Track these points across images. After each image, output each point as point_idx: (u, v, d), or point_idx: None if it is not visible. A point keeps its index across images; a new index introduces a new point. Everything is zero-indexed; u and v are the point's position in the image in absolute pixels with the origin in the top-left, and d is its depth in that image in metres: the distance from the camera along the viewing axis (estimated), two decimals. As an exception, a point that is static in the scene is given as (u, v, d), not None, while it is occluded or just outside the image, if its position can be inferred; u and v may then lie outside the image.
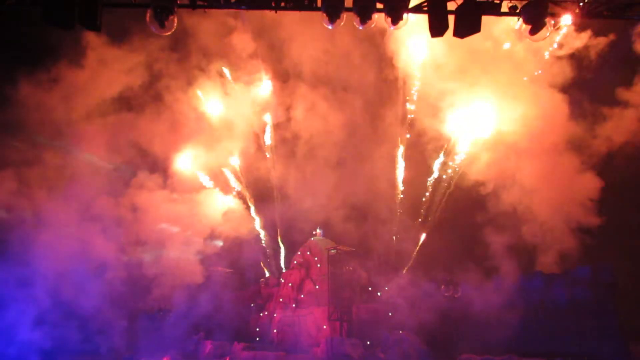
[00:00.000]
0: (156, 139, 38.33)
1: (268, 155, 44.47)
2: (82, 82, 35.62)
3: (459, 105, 38.34)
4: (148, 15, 13.01)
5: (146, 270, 36.68)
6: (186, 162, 40.52)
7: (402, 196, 42.87)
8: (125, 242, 35.99)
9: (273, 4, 13.45)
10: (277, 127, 44.24)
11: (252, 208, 44.24)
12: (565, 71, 35.15)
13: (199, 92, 40.61)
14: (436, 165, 41.38)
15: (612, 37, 33.91)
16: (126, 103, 37.47)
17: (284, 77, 42.47)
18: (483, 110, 37.96)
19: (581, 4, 13.66)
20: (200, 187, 40.97)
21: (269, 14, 13.86)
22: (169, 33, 13.37)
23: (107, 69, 36.35)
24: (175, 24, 13.16)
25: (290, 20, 36.78)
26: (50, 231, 33.06)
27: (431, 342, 35.71)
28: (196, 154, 40.88)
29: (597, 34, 33.99)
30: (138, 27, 32.97)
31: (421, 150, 41.42)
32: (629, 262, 33.81)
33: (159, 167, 38.97)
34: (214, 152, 41.70)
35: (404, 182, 42.66)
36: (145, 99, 38.00)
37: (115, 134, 37.00)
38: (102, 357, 34.42)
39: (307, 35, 38.30)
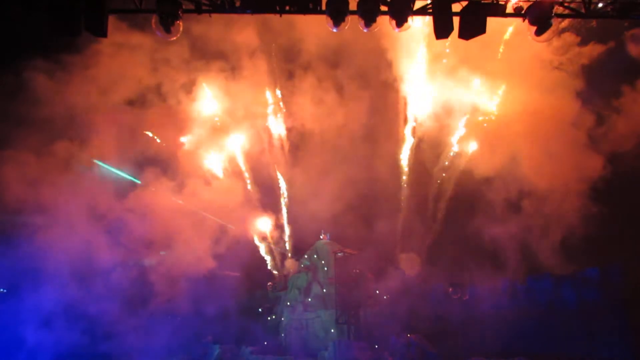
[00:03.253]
0: (164, 137, 38.47)
1: (272, 156, 44.68)
2: (85, 76, 35.45)
3: (462, 98, 38.56)
4: (154, 21, 13.08)
5: (155, 272, 36.75)
6: (194, 161, 40.61)
7: (408, 197, 42.84)
8: (133, 243, 36.00)
9: (278, 8, 13.50)
10: (280, 126, 44.44)
11: (259, 210, 44.28)
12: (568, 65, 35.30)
13: (205, 89, 40.66)
14: (441, 164, 41.41)
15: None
16: (130, 99, 37.29)
17: (289, 74, 42.60)
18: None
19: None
20: (208, 188, 41.01)
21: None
22: (175, 38, 13.43)
23: (109, 63, 36.20)
24: (181, 29, 13.23)
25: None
26: (57, 232, 33.02)
27: (439, 345, 35.56)
28: (204, 153, 41.05)
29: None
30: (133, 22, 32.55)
31: (426, 149, 41.54)
32: (638, 262, 33.50)
33: (167, 166, 38.88)
34: (222, 153, 41.89)
35: (409, 183, 42.62)
36: (152, 95, 37.99)
37: (122, 131, 37.00)
38: (110, 361, 34.47)
39: (312, 32, 38.26)
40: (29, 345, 32.16)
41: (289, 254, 45.28)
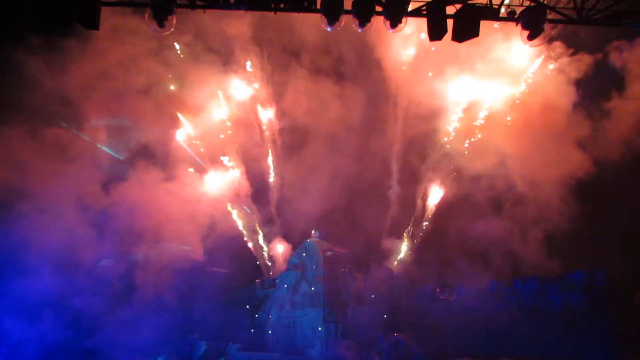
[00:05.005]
0: (156, 132, 38.23)
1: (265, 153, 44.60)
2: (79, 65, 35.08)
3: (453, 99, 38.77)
4: (147, 15, 12.93)
5: (142, 267, 36.52)
6: (185, 156, 40.42)
7: (397, 196, 43.04)
8: (122, 235, 35.75)
9: (272, 5, 13.42)
10: (275, 126, 44.33)
11: (249, 208, 44.16)
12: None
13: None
14: (430, 162, 41.65)
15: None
16: (122, 90, 36.92)
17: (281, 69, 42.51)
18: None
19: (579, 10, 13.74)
20: (199, 185, 40.82)
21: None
22: (168, 33, 13.29)
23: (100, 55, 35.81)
24: (174, 24, 13.08)
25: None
26: (44, 224, 32.64)
27: (426, 344, 35.72)
28: (195, 149, 40.86)
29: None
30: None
31: (416, 148, 41.75)
32: (622, 266, 33.90)
33: (157, 161, 38.69)
34: (212, 148, 41.77)
35: (399, 182, 42.84)
36: (143, 89, 37.65)
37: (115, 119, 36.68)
38: (97, 357, 34.16)
39: (305, 27, 38.23)
40: (13, 338, 31.88)
41: (279, 251, 45.25)
